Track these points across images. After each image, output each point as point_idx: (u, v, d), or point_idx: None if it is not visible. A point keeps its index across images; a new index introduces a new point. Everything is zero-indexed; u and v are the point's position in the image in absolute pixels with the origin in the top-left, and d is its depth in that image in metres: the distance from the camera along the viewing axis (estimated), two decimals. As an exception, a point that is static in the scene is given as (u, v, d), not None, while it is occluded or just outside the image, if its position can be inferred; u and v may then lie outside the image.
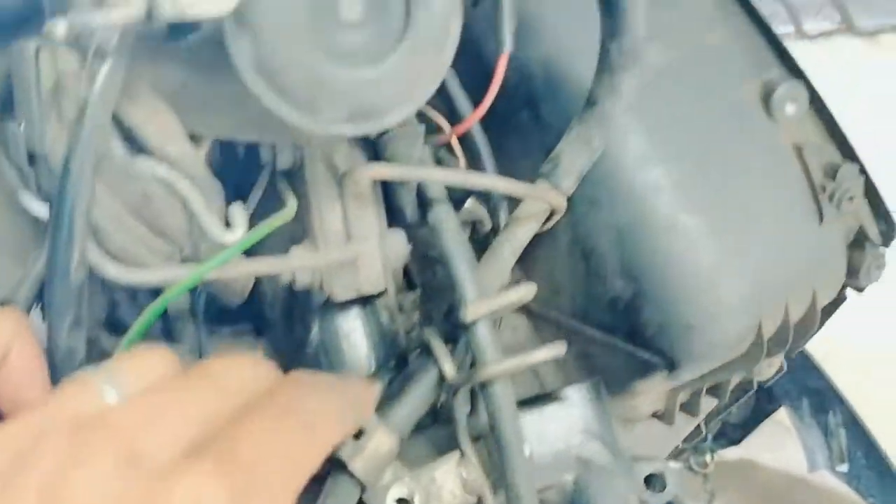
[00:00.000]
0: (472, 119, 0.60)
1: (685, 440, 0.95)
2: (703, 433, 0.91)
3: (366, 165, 0.56)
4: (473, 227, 0.68)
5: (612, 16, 0.55)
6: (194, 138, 0.51)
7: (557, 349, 0.56)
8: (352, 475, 0.50)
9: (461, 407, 0.57)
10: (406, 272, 0.75)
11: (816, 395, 1.75)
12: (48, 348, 0.46)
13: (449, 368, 0.55)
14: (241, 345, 0.70)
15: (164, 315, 0.63)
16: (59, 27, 0.42)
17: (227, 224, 0.50)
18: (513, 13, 0.56)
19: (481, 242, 0.67)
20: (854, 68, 1.82)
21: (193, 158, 0.49)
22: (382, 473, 0.52)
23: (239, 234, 0.49)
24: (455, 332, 0.57)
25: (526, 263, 0.73)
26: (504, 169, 0.68)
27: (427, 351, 0.57)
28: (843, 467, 1.69)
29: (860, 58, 1.83)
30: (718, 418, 0.90)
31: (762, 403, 1.84)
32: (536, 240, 0.64)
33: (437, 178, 0.56)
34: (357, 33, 0.46)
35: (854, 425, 1.68)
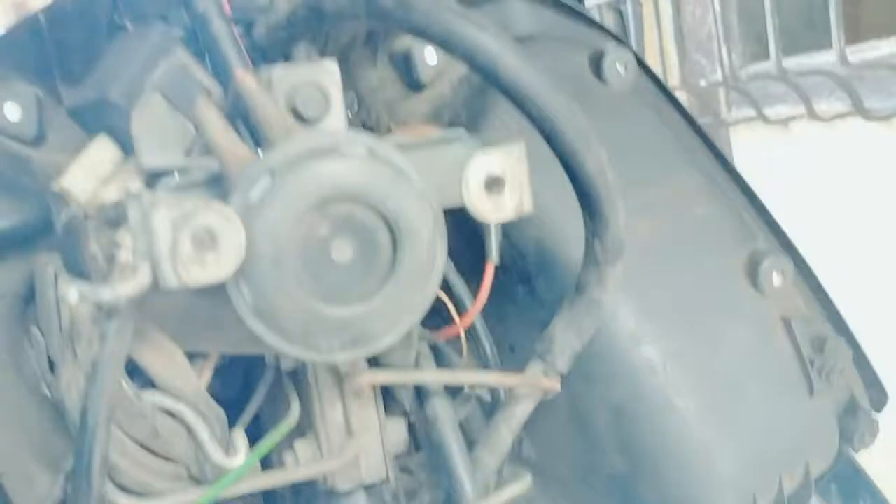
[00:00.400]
0: (472, 315, 0.63)
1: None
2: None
3: (365, 372, 0.59)
4: (477, 399, 0.70)
5: (594, 218, 0.58)
6: (197, 357, 0.55)
7: None
8: None
9: None
10: (412, 433, 0.78)
11: (846, 482, 1.74)
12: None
13: None
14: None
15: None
16: (71, 294, 0.46)
17: (231, 448, 0.53)
18: (499, 231, 0.59)
19: (485, 410, 0.69)
20: (866, 151, 1.83)
21: (197, 388, 0.52)
22: None
23: (241, 458, 0.52)
24: None
25: (529, 427, 0.75)
26: (503, 333, 0.70)
27: None
28: (874, 560, 1.66)
29: (872, 140, 1.84)
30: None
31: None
32: (538, 407, 0.67)
33: (431, 380, 0.59)
34: (347, 274, 0.49)
35: (885, 512, 1.66)
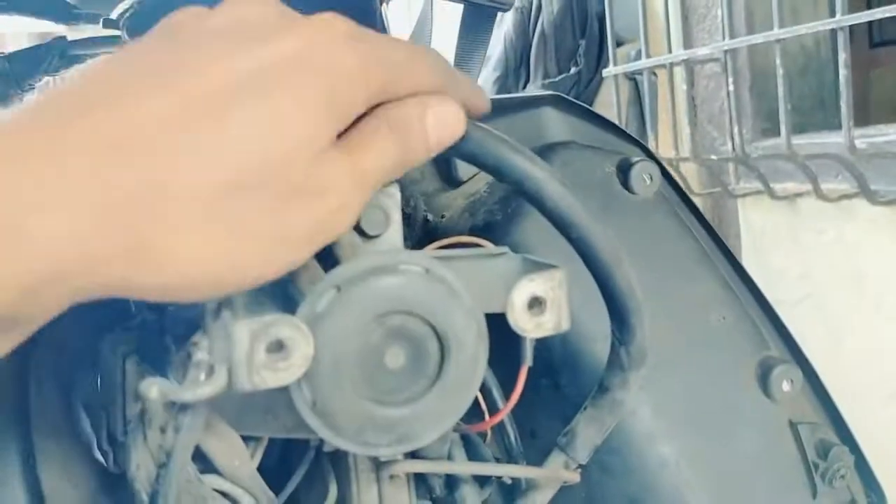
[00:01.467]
0: (503, 413, 0.68)
1: None
2: None
3: (403, 462, 0.63)
4: (498, 482, 0.74)
5: (622, 329, 0.63)
6: (250, 440, 0.59)
7: None
8: None
9: None
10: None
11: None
12: None
13: None
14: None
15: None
16: (152, 392, 0.50)
17: (279, 528, 0.58)
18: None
19: (504, 493, 0.73)
20: (872, 232, 1.89)
21: (252, 472, 0.57)
22: None
23: (289, 541, 0.56)
24: None
25: (545, 505, 0.80)
26: (525, 422, 0.75)
27: None
28: None
29: (878, 222, 1.89)
30: None
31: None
32: (556, 495, 0.71)
33: (465, 471, 0.64)
34: (398, 378, 0.54)
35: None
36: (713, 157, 2.25)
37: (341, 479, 0.66)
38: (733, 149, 2.11)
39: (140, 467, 0.54)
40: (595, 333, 0.72)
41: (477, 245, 0.69)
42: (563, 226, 0.57)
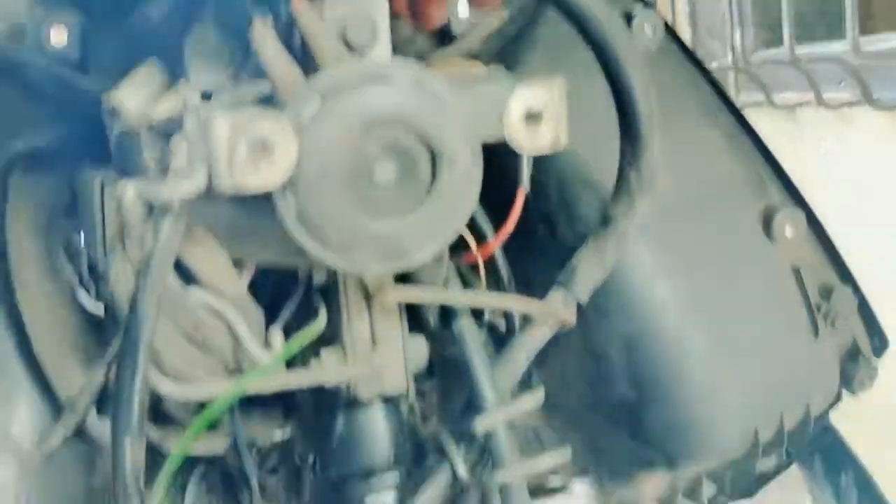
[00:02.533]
0: (495, 244, 0.66)
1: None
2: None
3: (394, 289, 0.61)
4: (491, 327, 0.73)
5: (631, 143, 0.60)
6: (238, 263, 0.58)
7: (564, 455, 0.61)
8: None
9: None
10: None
11: (829, 455, 1.78)
12: (113, 457, 0.51)
13: (462, 471, 0.60)
14: (271, 425, 0.76)
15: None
16: (128, 193, 0.48)
17: (267, 344, 0.56)
18: (531, 158, 0.61)
19: (498, 341, 0.72)
20: (873, 139, 1.85)
21: (239, 287, 0.55)
22: None
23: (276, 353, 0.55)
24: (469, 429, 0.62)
25: (540, 358, 0.79)
26: (522, 275, 0.73)
27: (441, 451, 0.62)
28: (855, 528, 1.71)
29: (878, 130, 1.86)
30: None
31: (775, 459, 1.87)
32: (550, 339, 0.70)
33: (457, 301, 0.62)
34: (389, 191, 0.52)
35: (867, 487, 1.71)
36: (714, 64, 2.20)
37: (332, 311, 0.64)
38: (734, 59, 2.06)
39: (119, 278, 0.52)
40: (592, 175, 0.70)
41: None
42: (578, 19, 0.55)
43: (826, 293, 0.70)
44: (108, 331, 0.65)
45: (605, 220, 0.65)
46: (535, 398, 0.63)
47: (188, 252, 0.54)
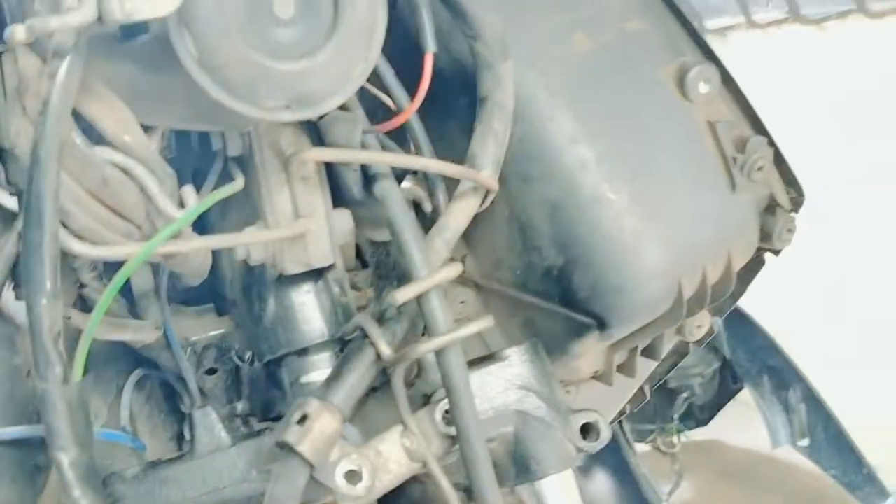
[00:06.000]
0: (410, 111, 0.66)
1: (634, 405, 1.01)
2: (647, 398, 0.97)
3: (310, 149, 0.61)
4: (415, 207, 0.73)
5: (465, 22, 0.62)
6: (148, 129, 0.57)
7: (486, 322, 0.61)
8: (301, 457, 0.54)
9: (400, 384, 0.61)
10: (359, 253, 0.81)
11: (776, 373, 1.83)
12: (29, 321, 0.50)
13: (385, 349, 0.59)
14: (204, 322, 0.75)
15: (130, 295, 0.68)
16: (18, 32, 0.47)
17: (181, 205, 0.56)
18: (430, 16, 0.61)
19: (423, 221, 0.72)
20: (802, 55, 1.90)
21: (147, 146, 0.54)
22: (330, 452, 0.56)
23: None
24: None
25: (470, 240, 0.79)
26: (446, 149, 0.73)
27: (363, 333, 0.61)
28: (805, 442, 1.76)
29: (807, 44, 1.90)
30: (659, 382, 0.96)
31: (726, 384, 1.91)
32: (478, 217, 0.70)
33: (376, 160, 0.62)
34: (291, 30, 0.52)
35: (813, 401, 1.76)
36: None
37: (251, 183, 0.63)
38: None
39: (20, 133, 0.51)
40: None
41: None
42: None
43: (741, 145, 0.71)
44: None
45: (481, 99, 0.66)
46: (454, 268, 0.62)
47: (91, 108, 0.52)
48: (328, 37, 0.52)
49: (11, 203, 0.58)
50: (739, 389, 1.87)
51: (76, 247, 0.52)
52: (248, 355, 0.75)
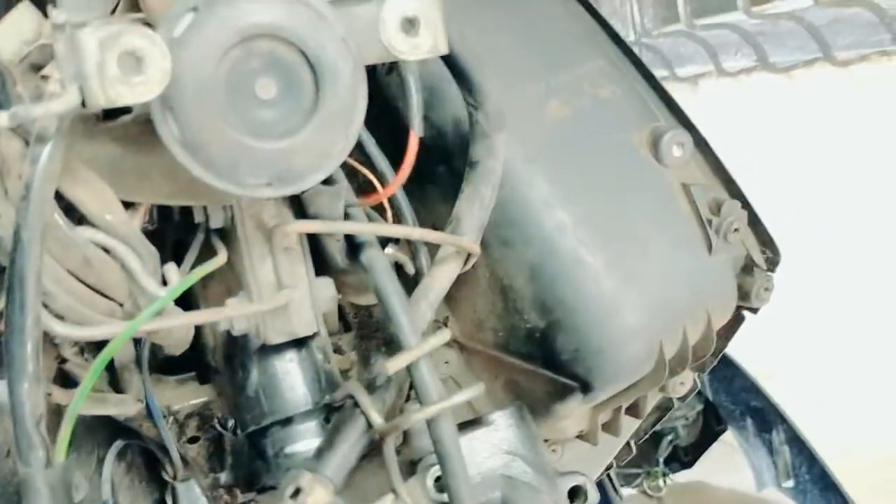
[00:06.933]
0: (396, 184, 0.66)
1: (620, 461, 1.01)
2: (633, 453, 0.97)
3: (294, 222, 0.62)
4: (398, 268, 0.73)
5: (470, 92, 0.63)
6: (129, 205, 0.57)
7: (477, 390, 0.61)
8: None
9: (392, 452, 0.60)
10: (342, 316, 0.81)
11: (759, 415, 1.83)
12: (11, 404, 0.50)
13: (376, 418, 0.59)
14: (186, 391, 0.74)
15: (111, 366, 0.68)
16: (1, 119, 0.47)
17: (164, 283, 0.56)
18: (420, 101, 0.62)
19: (406, 285, 0.73)
20: (770, 101, 1.94)
21: (128, 225, 0.54)
22: None
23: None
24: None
25: (452, 302, 0.79)
26: (426, 214, 0.74)
27: (353, 401, 0.61)
28: (790, 483, 1.76)
29: (776, 92, 1.95)
30: (644, 437, 0.97)
31: (710, 426, 1.92)
32: (460, 280, 0.70)
33: (360, 231, 0.62)
34: (272, 110, 0.52)
35: (797, 442, 1.76)
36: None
37: (234, 255, 0.64)
38: (635, 35, 2.14)
39: (2, 215, 0.51)
40: None
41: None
42: None
43: (716, 208, 0.72)
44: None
45: (471, 164, 0.67)
46: (442, 335, 0.62)
47: (72, 190, 0.53)
48: (309, 116, 0.53)
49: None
50: (723, 431, 1.88)
51: (59, 329, 0.52)
52: (230, 423, 0.75)
